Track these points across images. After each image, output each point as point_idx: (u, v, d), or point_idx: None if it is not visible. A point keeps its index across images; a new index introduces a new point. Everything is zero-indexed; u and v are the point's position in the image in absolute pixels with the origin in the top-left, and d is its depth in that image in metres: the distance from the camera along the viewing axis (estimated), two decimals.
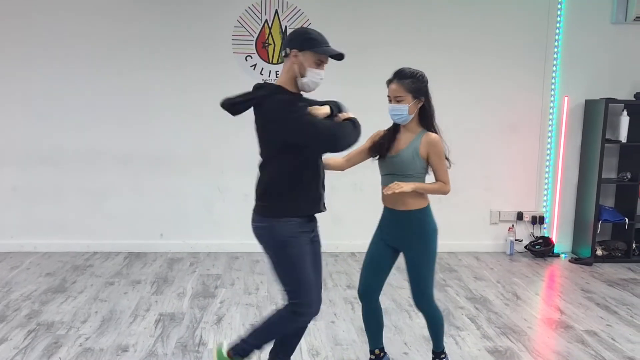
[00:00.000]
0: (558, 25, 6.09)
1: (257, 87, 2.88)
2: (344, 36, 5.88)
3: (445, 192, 3.14)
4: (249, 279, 5.22)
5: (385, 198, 3.19)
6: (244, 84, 5.84)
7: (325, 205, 3.01)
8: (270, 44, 5.91)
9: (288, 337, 3.13)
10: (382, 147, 3.17)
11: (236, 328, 4.11)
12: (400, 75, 3.07)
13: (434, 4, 5.98)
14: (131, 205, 5.99)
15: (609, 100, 5.87)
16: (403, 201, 3.10)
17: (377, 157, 3.20)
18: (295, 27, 3.02)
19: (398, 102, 3.05)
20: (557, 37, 6.11)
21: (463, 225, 6.29)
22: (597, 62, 6.17)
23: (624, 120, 5.94)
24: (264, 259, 5.95)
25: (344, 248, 6.03)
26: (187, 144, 5.97)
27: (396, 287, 5.06)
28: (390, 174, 3.15)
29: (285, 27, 5.89)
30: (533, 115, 6.23)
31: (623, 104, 5.99)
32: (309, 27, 2.96)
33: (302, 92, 2.92)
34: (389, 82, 3.10)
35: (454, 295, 4.92)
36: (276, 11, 5.89)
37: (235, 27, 5.87)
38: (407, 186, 3.01)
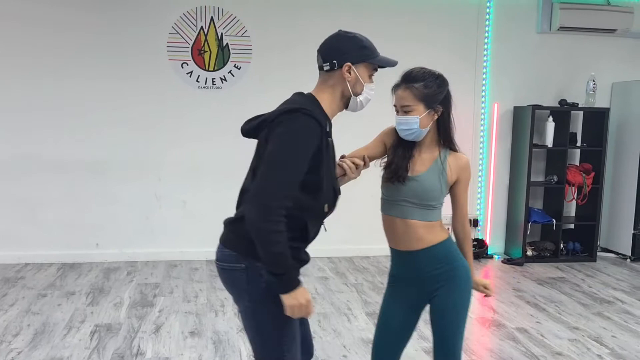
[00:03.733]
0: (486, 34, 6.32)
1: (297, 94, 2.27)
2: (280, 43, 5.96)
3: (465, 225, 2.55)
4: (187, 287, 5.18)
5: (391, 236, 2.49)
6: (180, 91, 5.92)
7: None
8: (207, 51, 5.89)
9: None
10: (400, 166, 2.42)
11: (175, 337, 4.08)
12: (409, 79, 2.40)
13: (365, 12, 6.08)
14: (65, 214, 5.84)
15: (536, 107, 6.12)
16: (417, 236, 2.42)
17: (389, 179, 2.45)
18: (336, 32, 2.40)
19: (406, 112, 2.38)
20: (485, 46, 6.33)
21: None
22: (525, 70, 6.43)
23: (550, 125, 6.20)
24: (203, 267, 5.95)
25: None
26: (123, 151, 5.88)
27: (335, 291, 5.12)
28: (402, 201, 2.42)
29: (221, 34, 5.89)
30: (465, 121, 6.42)
31: (549, 111, 6.26)
32: (351, 31, 2.36)
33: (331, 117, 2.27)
34: (396, 87, 2.44)
35: None
36: (212, 18, 5.88)
37: (170, 33, 5.83)
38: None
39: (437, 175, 2.41)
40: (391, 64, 2.30)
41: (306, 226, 2.15)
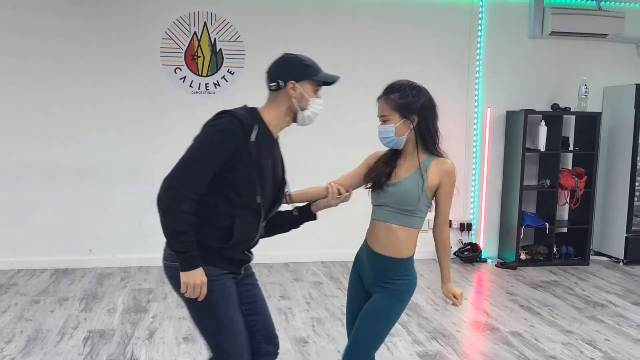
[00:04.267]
0: (479, 40, 6.34)
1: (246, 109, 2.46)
2: (273, 48, 5.96)
3: (443, 232, 2.65)
4: None
5: (371, 238, 2.64)
6: (173, 96, 5.92)
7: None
8: (200, 57, 5.90)
9: None
10: (380, 173, 2.57)
11: (169, 342, 4.06)
12: (387, 90, 2.54)
13: (357, 18, 6.11)
14: (58, 220, 5.81)
15: (528, 112, 6.15)
16: (398, 240, 2.54)
17: (371, 186, 2.60)
18: (281, 55, 2.56)
19: (384, 122, 2.52)
20: (478, 51, 6.36)
21: None
22: (517, 75, 6.46)
23: (542, 130, 6.23)
24: None
25: (278, 259, 6.03)
26: (116, 157, 5.86)
27: (329, 295, 5.12)
28: (383, 206, 2.56)
29: (215, 39, 5.90)
30: (458, 126, 6.45)
31: (541, 115, 6.29)
32: (294, 53, 2.53)
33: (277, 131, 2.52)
34: (378, 99, 2.57)
35: None
36: (205, 24, 5.88)
37: (163, 39, 5.82)
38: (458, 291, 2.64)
39: (416, 181, 2.49)
40: (332, 79, 2.48)
41: (232, 225, 2.36)
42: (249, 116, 2.39)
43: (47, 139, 5.74)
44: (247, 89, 5.95)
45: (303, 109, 2.45)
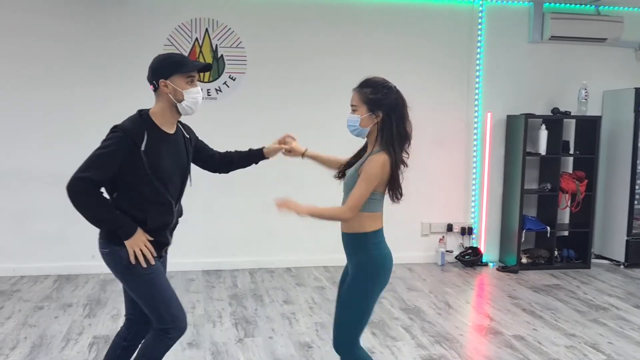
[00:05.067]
0: (479, 44, 6.38)
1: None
2: (274, 54, 6.01)
3: (341, 218, 2.73)
4: (184, 298, 5.16)
5: None
6: None
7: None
8: None
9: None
10: (346, 164, 2.89)
11: (173, 348, 4.04)
12: (362, 84, 2.77)
13: (358, 24, 6.15)
14: (60, 226, 5.81)
15: (529, 116, 6.17)
16: (351, 225, 2.74)
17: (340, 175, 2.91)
18: (160, 55, 2.86)
19: (353, 111, 2.75)
20: (478, 56, 6.39)
21: (395, 238, 6.31)
22: (517, 80, 6.49)
23: (543, 134, 6.26)
24: (199, 278, 5.95)
25: (280, 264, 6.04)
26: None
27: (332, 300, 5.12)
28: (345, 192, 2.81)
29: (216, 45, 5.92)
30: (459, 130, 6.48)
31: (541, 119, 6.32)
32: (169, 52, 2.91)
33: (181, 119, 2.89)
34: (353, 89, 2.82)
35: (388, 306, 5.03)
36: (206, 30, 5.91)
37: (165, 45, 5.84)
38: (293, 208, 2.69)
39: (354, 170, 2.74)
40: (197, 67, 2.79)
41: (146, 217, 2.70)
42: (139, 126, 2.69)
43: (48, 145, 5.76)
44: (248, 94, 5.99)
45: (180, 101, 2.73)
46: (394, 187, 2.73)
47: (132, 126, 2.70)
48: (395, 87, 2.76)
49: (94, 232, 5.95)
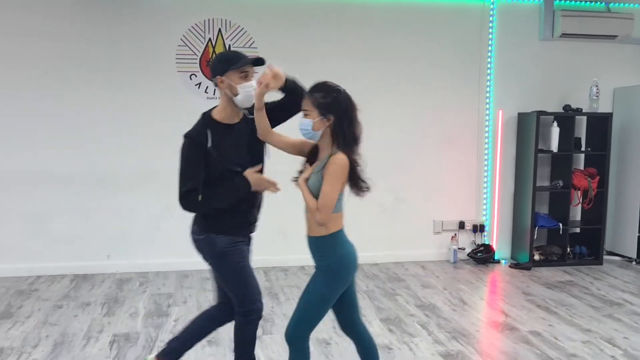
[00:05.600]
0: (490, 42, 6.40)
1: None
2: (287, 54, 6.04)
3: (315, 215, 2.75)
4: (201, 296, 5.22)
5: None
6: (188, 102, 5.99)
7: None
8: None
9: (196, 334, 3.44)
10: (308, 161, 2.95)
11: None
12: (313, 88, 2.83)
13: (374, 23, 6.19)
14: (75, 226, 5.87)
15: (540, 113, 6.20)
16: (313, 227, 2.85)
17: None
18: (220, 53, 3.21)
19: (305, 115, 2.80)
20: (489, 54, 6.42)
21: (408, 236, 6.48)
22: (528, 77, 6.52)
23: (555, 131, 6.28)
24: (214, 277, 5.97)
25: (294, 262, 6.09)
26: (131, 163, 5.93)
27: None
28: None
29: (229, 45, 5.97)
30: (470, 128, 6.50)
31: (553, 116, 6.34)
32: (229, 50, 3.18)
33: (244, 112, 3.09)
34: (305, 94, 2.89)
35: (404, 303, 5.06)
36: (219, 30, 5.95)
37: (179, 45, 5.89)
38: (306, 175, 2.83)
39: (316, 173, 2.78)
40: (247, 62, 2.96)
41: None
42: (201, 127, 2.99)
43: (63, 147, 5.81)
44: None
45: (235, 95, 2.95)
46: (356, 183, 2.81)
47: (195, 129, 3.01)
48: (344, 90, 2.83)
49: (109, 232, 6.04)
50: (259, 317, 3.18)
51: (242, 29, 5.97)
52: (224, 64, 2.96)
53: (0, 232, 5.77)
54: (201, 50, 5.94)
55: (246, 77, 2.96)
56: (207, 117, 3.04)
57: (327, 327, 4.48)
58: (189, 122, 6.36)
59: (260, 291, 3.17)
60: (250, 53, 5.93)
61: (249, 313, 3.11)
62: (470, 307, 5.01)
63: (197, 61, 5.94)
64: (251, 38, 6.00)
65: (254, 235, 3.25)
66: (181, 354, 3.37)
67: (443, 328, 4.48)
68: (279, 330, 4.37)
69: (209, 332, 3.42)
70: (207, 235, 3.04)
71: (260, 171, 3.11)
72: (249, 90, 2.94)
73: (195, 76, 5.95)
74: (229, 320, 3.29)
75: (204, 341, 4.14)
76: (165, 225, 6.02)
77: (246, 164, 3.04)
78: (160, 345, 4.09)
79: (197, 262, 5.89)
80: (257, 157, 3.12)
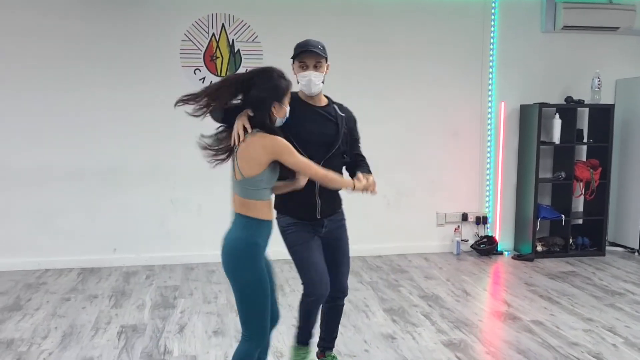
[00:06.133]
0: (492, 34, 6.43)
1: None
2: (290, 48, 6.07)
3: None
4: (206, 289, 5.28)
5: None
6: None
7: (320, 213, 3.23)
8: (218, 57, 6.01)
9: (323, 321, 3.58)
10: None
11: (199, 336, 4.18)
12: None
13: (376, 16, 6.22)
14: (82, 221, 5.94)
15: (542, 105, 6.23)
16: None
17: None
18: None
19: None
20: (491, 46, 6.45)
21: (411, 228, 6.53)
22: (530, 69, 6.54)
23: (557, 123, 6.31)
24: (219, 269, 6.04)
25: None
26: (137, 158, 5.99)
27: (351, 289, 5.21)
28: None
29: (233, 40, 6.01)
30: (473, 120, 6.54)
31: (555, 108, 6.37)
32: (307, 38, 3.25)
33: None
34: None
35: (407, 294, 5.12)
36: (223, 25, 6.00)
37: (182, 40, 5.94)
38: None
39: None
40: (296, 52, 3.16)
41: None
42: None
43: (70, 143, 5.86)
44: None
45: (299, 83, 3.15)
46: None
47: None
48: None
49: (115, 226, 6.10)
50: (317, 298, 3.25)
51: (246, 23, 6.02)
52: (294, 51, 3.18)
53: (9, 227, 5.84)
54: (205, 45, 5.99)
55: (303, 67, 3.12)
56: (294, 94, 3.08)
57: None
58: (193, 117, 6.41)
59: (321, 276, 3.20)
60: (253, 48, 6.06)
61: (306, 292, 3.24)
62: (473, 297, 5.06)
63: (201, 56, 5.99)
64: (254, 32, 6.04)
65: (328, 218, 3.28)
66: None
67: (446, 318, 4.54)
68: (284, 321, 4.41)
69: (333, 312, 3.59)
70: (277, 215, 3.20)
71: (328, 159, 3.14)
72: (303, 80, 3.12)
73: (200, 71, 6.00)
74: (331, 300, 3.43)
75: (209, 332, 4.23)
76: (171, 220, 6.09)
77: (313, 144, 3.11)
78: (167, 336, 4.17)
79: (203, 255, 6.06)
80: (329, 142, 3.17)
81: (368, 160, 3.43)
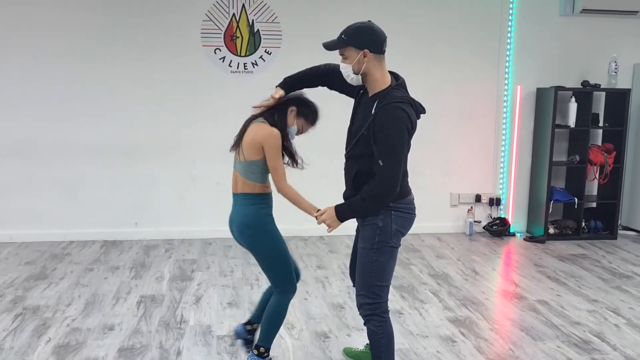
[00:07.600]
0: (510, 17, 6.45)
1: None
2: (309, 29, 6.17)
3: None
4: (223, 263, 5.47)
5: None
6: (213, 76, 6.18)
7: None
8: (238, 37, 6.13)
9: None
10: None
11: (214, 307, 4.37)
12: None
13: None
14: (105, 195, 6.15)
15: (558, 88, 6.26)
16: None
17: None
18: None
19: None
20: (509, 29, 6.47)
21: (425, 208, 6.54)
22: (547, 52, 6.56)
23: (572, 106, 6.34)
24: (236, 245, 6.20)
25: (313, 232, 6.28)
26: (158, 134, 6.16)
27: None
28: None
29: (253, 20, 6.12)
30: (488, 103, 6.59)
31: (571, 92, 6.39)
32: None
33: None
34: None
35: (417, 272, 5.25)
36: (243, 5, 6.10)
37: (204, 20, 6.07)
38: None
39: None
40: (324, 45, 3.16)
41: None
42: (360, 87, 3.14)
43: (94, 119, 6.05)
44: (283, 68, 6.08)
45: None
46: None
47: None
48: None
49: (136, 201, 6.31)
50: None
51: (266, 4, 6.11)
52: None
53: (36, 200, 6.07)
54: (225, 25, 6.10)
55: (342, 59, 3.09)
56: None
57: (342, 292, 4.71)
58: (213, 95, 6.57)
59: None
60: (273, 28, 6.17)
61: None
62: (482, 277, 5.18)
63: (222, 36, 6.11)
64: (274, 13, 6.14)
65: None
66: None
67: (454, 296, 4.67)
68: (296, 295, 4.54)
69: None
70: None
71: (350, 153, 3.09)
72: (342, 72, 3.10)
73: (220, 50, 6.13)
74: None
75: (224, 303, 4.41)
76: (190, 195, 6.28)
77: (349, 133, 3.12)
78: (183, 306, 4.36)
79: (220, 231, 6.22)
80: (354, 132, 3.06)
81: None
